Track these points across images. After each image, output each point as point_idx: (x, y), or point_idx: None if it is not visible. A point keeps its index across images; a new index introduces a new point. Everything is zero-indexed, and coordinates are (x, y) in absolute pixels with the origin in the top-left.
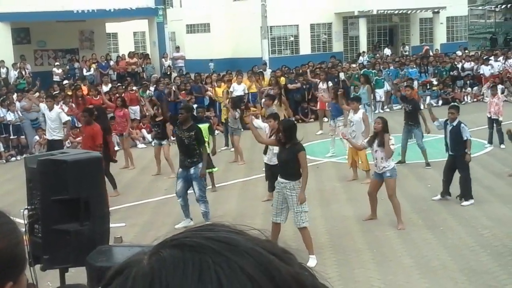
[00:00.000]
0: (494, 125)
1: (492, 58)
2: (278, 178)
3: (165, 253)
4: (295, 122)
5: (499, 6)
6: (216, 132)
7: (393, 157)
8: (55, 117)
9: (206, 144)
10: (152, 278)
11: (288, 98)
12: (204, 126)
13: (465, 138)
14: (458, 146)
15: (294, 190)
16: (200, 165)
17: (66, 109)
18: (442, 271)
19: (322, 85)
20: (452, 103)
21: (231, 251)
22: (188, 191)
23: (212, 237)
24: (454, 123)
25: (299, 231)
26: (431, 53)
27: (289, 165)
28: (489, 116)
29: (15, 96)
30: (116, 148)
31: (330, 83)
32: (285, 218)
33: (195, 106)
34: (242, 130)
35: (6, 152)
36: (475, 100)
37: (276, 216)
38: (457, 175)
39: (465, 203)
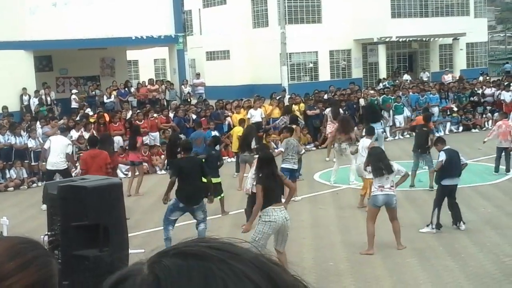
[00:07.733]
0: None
1: None
2: None
3: (168, 262)
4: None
5: None
6: (230, 159)
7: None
8: (64, 146)
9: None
10: (158, 286)
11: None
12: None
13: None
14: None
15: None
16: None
17: (86, 135)
18: None
19: (329, 112)
20: (437, 136)
21: (234, 259)
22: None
23: (213, 246)
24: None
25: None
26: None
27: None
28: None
29: (38, 123)
30: (122, 175)
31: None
32: (276, 243)
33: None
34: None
35: (28, 178)
36: None
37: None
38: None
39: (463, 226)
